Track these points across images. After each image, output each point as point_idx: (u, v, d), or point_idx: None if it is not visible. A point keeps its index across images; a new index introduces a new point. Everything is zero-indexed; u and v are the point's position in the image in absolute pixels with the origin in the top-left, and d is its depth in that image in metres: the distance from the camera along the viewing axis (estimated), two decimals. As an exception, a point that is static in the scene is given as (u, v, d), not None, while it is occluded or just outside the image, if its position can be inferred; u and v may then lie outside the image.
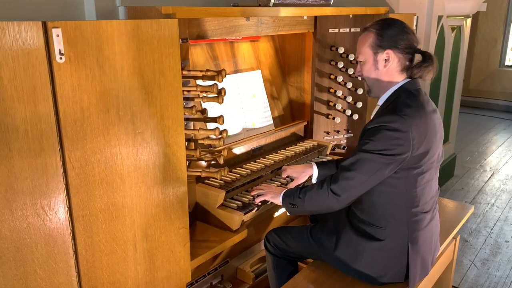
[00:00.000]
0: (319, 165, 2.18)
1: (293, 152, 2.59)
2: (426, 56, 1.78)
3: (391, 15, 2.72)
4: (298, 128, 2.83)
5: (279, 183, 2.30)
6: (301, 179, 2.20)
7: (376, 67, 1.79)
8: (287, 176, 2.28)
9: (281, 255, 2.11)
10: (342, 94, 2.84)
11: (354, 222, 1.87)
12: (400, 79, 1.79)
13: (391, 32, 1.75)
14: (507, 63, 8.17)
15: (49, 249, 1.36)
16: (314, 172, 2.16)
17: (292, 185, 2.20)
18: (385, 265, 1.81)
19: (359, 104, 2.90)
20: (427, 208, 1.83)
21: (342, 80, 2.82)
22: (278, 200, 1.95)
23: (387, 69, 1.78)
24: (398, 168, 1.70)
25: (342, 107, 2.87)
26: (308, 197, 1.83)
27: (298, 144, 2.74)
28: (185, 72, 1.80)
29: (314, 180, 2.16)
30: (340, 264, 1.89)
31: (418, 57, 1.79)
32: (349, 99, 2.88)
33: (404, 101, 1.71)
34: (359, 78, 1.91)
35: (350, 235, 1.85)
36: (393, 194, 1.75)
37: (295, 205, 1.88)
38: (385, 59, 1.76)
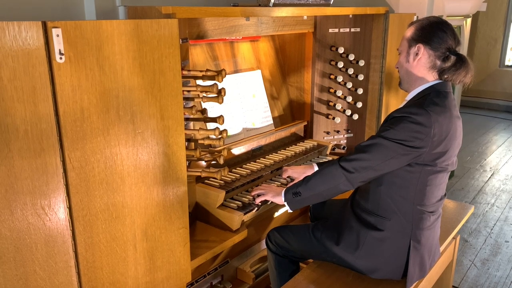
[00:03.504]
0: (320, 165, 2.19)
1: (293, 152, 2.59)
2: (458, 58, 1.76)
3: (391, 15, 2.73)
4: (298, 128, 2.83)
5: (279, 183, 2.30)
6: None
7: (407, 59, 1.83)
8: (288, 177, 2.28)
9: (283, 254, 2.11)
10: (342, 94, 2.84)
11: (357, 212, 1.88)
12: (430, 78, 1.80)
13: (427, 29, 1.77)
14: (507, 63, 8.18)
15: (49, 249, 1.36)
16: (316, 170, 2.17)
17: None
18: (384, 258, 1.82)
19: (359, 104, 2.90)
20: (432, 209, 1.83)
21: (342, 80, 2.82)
22: (279, 199, 1.95)
23: (416, 63, 1.79)
24: (413, 161, 1.71)
25: (342, 107, 2.87)
26: (314, 179, 1.84)
27: (298, 144, 2.74)
28: (185, 72, 1.80)
29: None
30: (341, 258, 1.89)
31: (454, 60, 1.78)
32: (349, 99, 2.88)
33: (432, 99, 1.72)
34: (396, 68, 1.95)
35: (352, 223, 1.87)
36: (403, 187, 1.76)
37: (298, 193, 1.88)
38: (416, 53, 1.79)
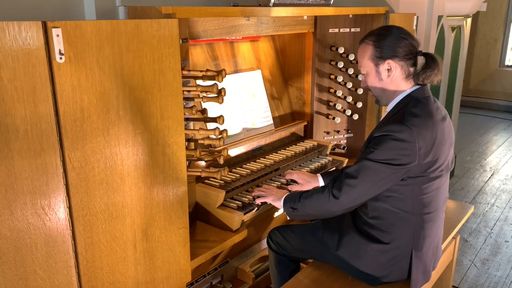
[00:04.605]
0: (325, 176, 2.17)
1: (293, 152, 2.59)
2: (429, 58, 1.74)
3: (391, 15, 2.73)
4: (298, 128, 2.83)
5: (279, 183, 2.30)
6: (305, 188, 2.18)
7: (379, 78, 1.78)
8: (291, 180, 2.26)
9: (283, 254, 2.11)
10: (342, 94, 2.84)
11: (358, 224, 1.87)
12: (407, 86, 1.77)
13: (388, 41, 1.73)
14: (507, 63, 8.18)
15: (49, 249, 1.36)
16: (320, 183, 2.16)
17: (293, 188, 2.19)
18: (387, 268, 1.81)
19: (359, 104, 2.90)
20: (434, 216, 1.81)
21: (342, 80, 2.82)
22: (279, 204, 1.95)
23: (391, 79, 1.76)
24: (404, 176, 1.68)
25: (342, 107, 2.87)
26: (309, 201, 1.82)
27: (298, 144, 2.74)
28: (185, 72, 1.80)
29: None
30: (341, 263, 1.89)
31: (421, 59, 1.76)
32: (349, 99, 2.88)
33: (411, 110, 1.68)
34: (365, 88, 1.88)
35: (353, 235, 1.85)
36: (400, 200, 1.73)
37: (296, 209, 1.87)
38: (387, 69, 1.75)
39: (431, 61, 1.73)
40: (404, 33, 1.74)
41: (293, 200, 1.89)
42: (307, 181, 2.18)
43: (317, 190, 1.83)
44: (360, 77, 1.84)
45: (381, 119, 1.86)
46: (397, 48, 1.72)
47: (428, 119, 1.68)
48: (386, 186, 1.70)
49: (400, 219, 1.76)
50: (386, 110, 1.84)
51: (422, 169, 1.68)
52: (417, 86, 1.77)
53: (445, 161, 1.76)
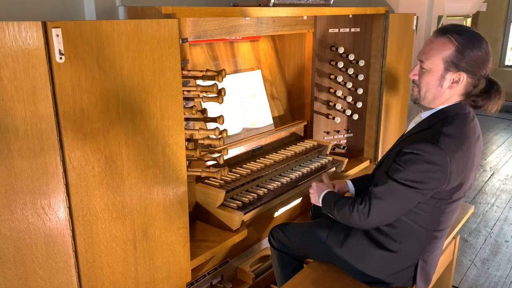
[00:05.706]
0: (355, 183, 2.10)
1: (293, 152, 2.59)
2: (492, 85, 1.61)
3: (391, 15, 2.73)
4: (298, 128, 2.83)
5: (280, 183, 2.30)
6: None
7: (440, 83, 1.63)
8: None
9: (285, 251, 2.10)
10: (342, 94, 2.84)
11: None
12: (455, 101, 1.66)
13: (474, 54, 1.56)
14: (507, 63, 8.18)
15: (49, 249, 1.36)
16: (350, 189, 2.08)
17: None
18: (391, 275, 1.81)
19: (359, 104, 2.90)
20: (446, 232, 1.81)
21: (342, 80, 2.82)
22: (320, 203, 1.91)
23: (450, 90, 1.63)
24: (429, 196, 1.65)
25: (342, 107, 2.87)
26: (340, 214, 1.77)
27: (298, 144, 2.74)
28: (185, 72, 1.80)
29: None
30: (344, 264, 1.88)
31: (485, 84, 1.64)
32: (349, 99, 2.88)
33: (447, 130, 1.58)
34: (412, 80, 1.73)
35: (360, 237, 1.84)
36: (418, 215, 1.70)
37: (332, 215, 1.84)
38: (454, 80, 1.61)
39: (494, 88, 1.61)
40: (489, 53, 1.59)
41: (328, 205, 1.83)
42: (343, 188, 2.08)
43: (348, 203, 1.74)
44: (414, 71, 1.70)
45: (412, 125, 1.76)
46: (477, 66, 1.57)
47: (463, 141, 1.59)
48: (412, 205, 1.67)
49: (413, 231, 1.74)
50: (421, 115, 1.74)
51: (448, 192, 1.65)
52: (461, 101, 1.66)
53: (468, 185, 1.72)
